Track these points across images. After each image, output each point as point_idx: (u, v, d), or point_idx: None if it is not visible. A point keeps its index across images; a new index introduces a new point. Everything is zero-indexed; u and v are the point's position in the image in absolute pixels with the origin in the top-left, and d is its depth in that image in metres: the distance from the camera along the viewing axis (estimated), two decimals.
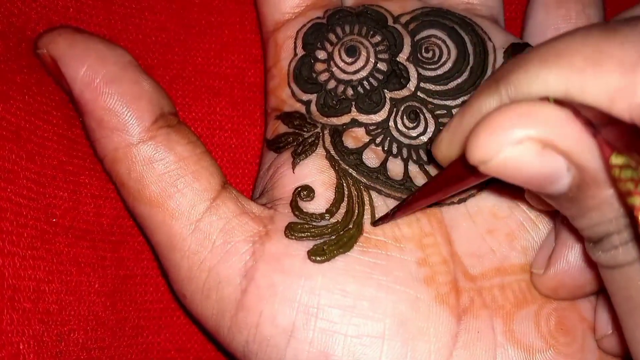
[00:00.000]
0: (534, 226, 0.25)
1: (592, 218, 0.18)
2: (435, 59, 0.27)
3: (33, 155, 0.24)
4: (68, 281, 0.25)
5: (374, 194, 0.25)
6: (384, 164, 0.26)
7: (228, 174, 0.31)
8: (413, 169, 0.26)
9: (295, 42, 0.28)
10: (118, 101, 0.24)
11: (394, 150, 0.26)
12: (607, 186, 0.17)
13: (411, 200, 0.24)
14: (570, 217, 0.19)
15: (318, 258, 0.23)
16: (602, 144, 0.16)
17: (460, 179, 0.20)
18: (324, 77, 0.27)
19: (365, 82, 0.27)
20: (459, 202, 0.25)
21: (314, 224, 0.24)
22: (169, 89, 0.30)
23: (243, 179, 0.32)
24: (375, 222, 0.24)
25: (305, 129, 0.26)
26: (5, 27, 0.26)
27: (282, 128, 0.27)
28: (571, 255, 0.23)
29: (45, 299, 0.23)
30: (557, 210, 0.21)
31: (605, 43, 0.16)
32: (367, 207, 0.25)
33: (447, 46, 0.27)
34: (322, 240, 0.24)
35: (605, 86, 0.16)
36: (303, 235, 0.24)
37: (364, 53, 0.27)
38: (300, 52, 0.28)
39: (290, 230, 0.24)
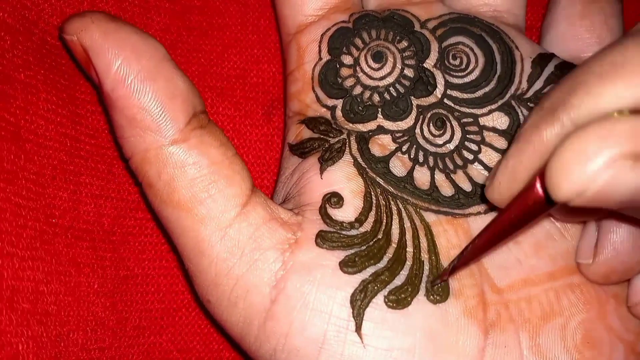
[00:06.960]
0: (560, 236, 0.25)
1: None
2: (463, 66, 0.27)
3: (32, 155, 0.24)
4: (67, 282, 0.25)
5: (401, 204, 0.25)
6: (410, 173, 0.26)
7: None
8: (439, 177, 0.26)
9: (320, 46, 0.27)
10: (152, 100, 0.23)
11: (420, 158, 0.26)
12: None
13: (472, 250, 0.22)
14: None
15: (350, 269, 0.23)
16: None
17: (531, 215, 0.20)
18: (349, 82, 0.27)
19: (391, 89, 0.27)
20: (486, 212, 0.25)
21: (343, 232, 0.24)
22: None
23: None
24: (434, 282, 0.23)
25: (331, 135, 0.26)
26: (17, 21, 0.25)
27: (307, 133, 0.27)
28: (617, 240, 0.23)
29: (44, 300, 0.23)
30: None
31: None
32: (395, 216, 0.25)
33: (474, 54, 0.27)
34: (352, 251, 0.24)
35: None
36: (335, 244, 0.24)
37: (390, 59, 0.27)
38: (326, 56, 0.27)
39: (322, 240, 0.24)
